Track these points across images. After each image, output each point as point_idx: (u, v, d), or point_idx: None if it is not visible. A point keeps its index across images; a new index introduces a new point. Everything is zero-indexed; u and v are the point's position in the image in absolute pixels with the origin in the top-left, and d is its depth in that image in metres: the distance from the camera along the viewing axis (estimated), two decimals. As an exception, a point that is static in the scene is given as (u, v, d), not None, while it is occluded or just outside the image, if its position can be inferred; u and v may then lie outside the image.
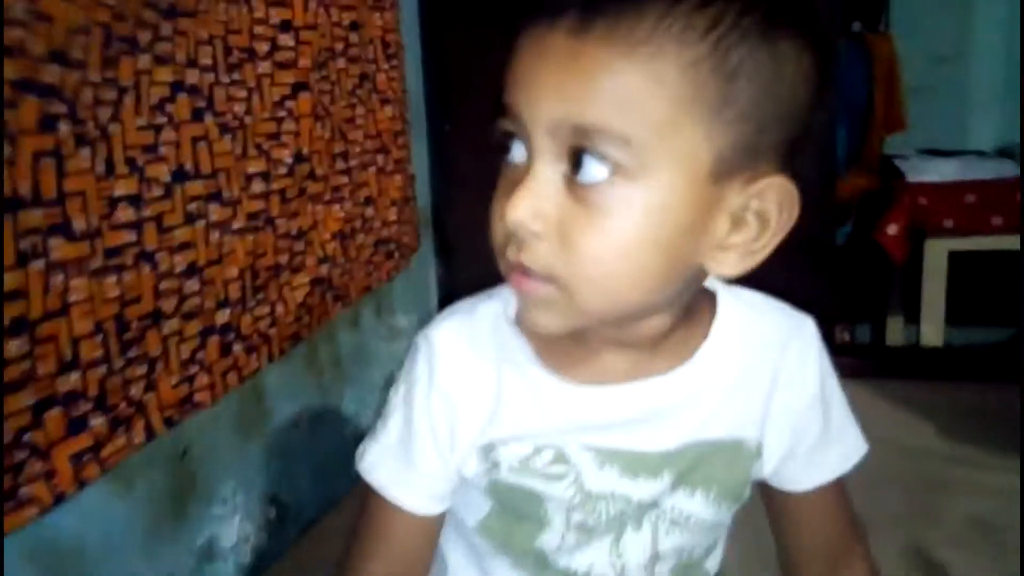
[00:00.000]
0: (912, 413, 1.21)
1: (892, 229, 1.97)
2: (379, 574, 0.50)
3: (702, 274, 0.44)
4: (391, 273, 1.32)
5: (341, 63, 1.17)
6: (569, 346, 0.47)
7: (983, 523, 0.93)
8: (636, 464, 0.48)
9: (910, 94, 2.17)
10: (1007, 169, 2.00)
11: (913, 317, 2.02)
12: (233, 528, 0.91)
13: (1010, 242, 1.91)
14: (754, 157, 0.41)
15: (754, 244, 0.42)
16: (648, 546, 0.50)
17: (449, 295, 1.56)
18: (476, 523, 0.51)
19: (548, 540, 0.49)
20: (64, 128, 0.66)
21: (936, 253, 1.97)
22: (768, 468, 0.51)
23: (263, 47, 0.95)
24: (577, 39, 0.38)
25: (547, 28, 0.39)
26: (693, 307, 0.48)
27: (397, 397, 0.50)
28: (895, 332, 2.18)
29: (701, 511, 0.50)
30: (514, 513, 0.50)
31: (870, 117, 2.16)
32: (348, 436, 1.17)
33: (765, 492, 0.54)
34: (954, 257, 1.98)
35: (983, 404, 1.25)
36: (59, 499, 0.65)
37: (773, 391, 0.50)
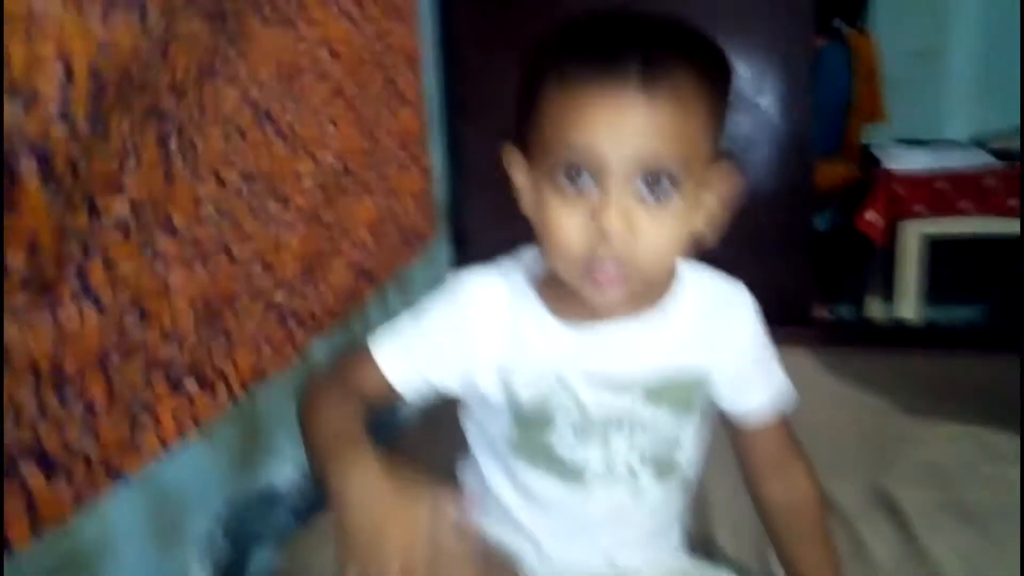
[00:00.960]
0: (881, 379, 1.36)
1: (871, 215, 2.12)
2: (334, 393, 0.64)
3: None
4: (411, 259, 1.46)
5: (368, 69, 1.30)
6: (568, 296, 0.62)
7: (934, 465, 1.08)
8: (615, 383, 0.65)
9: (889, 87, 2.30)
10: (977, 158, 2.15)
11: (891, 298, 2.16)
12: (288, 478, 1.06)
13: (978, 225, 2.07)
14: (718, 146, 0.60)
15: (716, 207, 0.62)
16: (626, 442, 0.66)
17: None
18: (500, 433, 0.68)
19: (555, 438, 0.66)
20: (172, 144, 0.80)
21: (910, 236, 2.11)
22: (718, 395, 0.69)
23: (305, 62, 1.08)
24: (647, 95, 0.54)
25: (617, 86, 0.54)
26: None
27: (417, 307, 0.68)
28: (874, 311, 2.33)
29: (663, 418, 0.66)
30: (526, 421, 0.66)
31: (851, 109, 2.29)
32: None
33: (726, 424, 0.71)
34: (928, 241, 2.11)
35: (949, 372, 1.39)
36: (165, 448, 0.80)
37: (721, 334, 0.67)
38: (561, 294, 0.63)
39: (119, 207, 0.71)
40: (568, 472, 0.67)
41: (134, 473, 0.76)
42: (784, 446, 0.71)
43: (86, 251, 0.68)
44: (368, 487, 0.51)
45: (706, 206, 0.62)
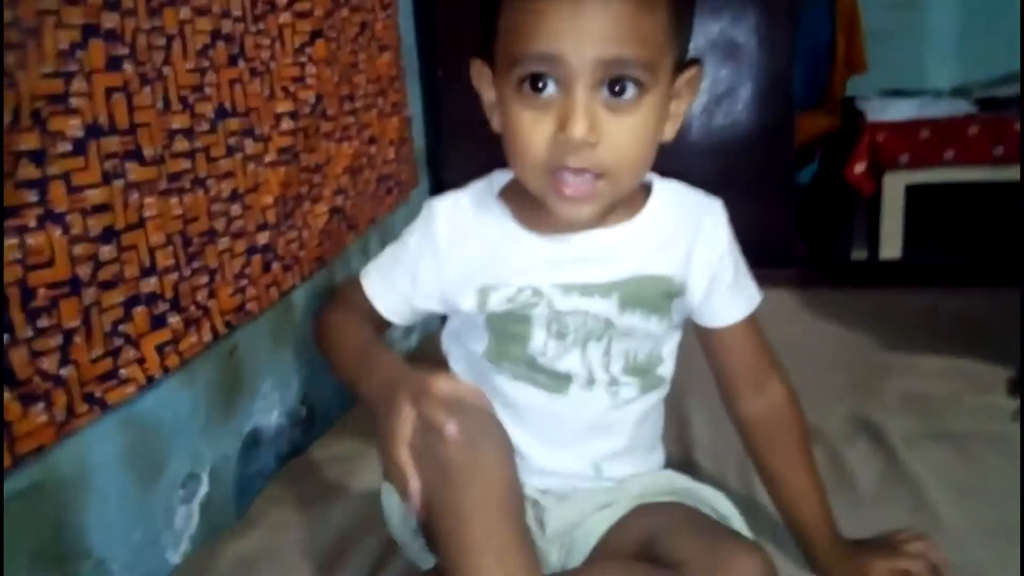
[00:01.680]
0: (865, 316, 1.37)
1: (859, 167, 2.12)
2: (345, 313, 0.71)
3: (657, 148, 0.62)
4: (392, 206, 1.45)
5: (345, 12, 1.27)
6: (538, 208, 0.62)
7: (915, 395, 1.09)
8: (591, 290, 0.65)
9: (870, 38, 2.30)
10: (960, 107, 2.15)
11: (876, 249, 2.18)
12: (272, 421, 1.05)
13: (962, 174, 2.07)
14: (685, 54, 0.61)
15: (681, 111, 0.62)
16: (605, 351, 0.67)
17: None
18: (482, 350, 0.68)
19: (535, 347, 0.66)
20: (128, 68, 0.78)
21: (894, 186, 2.12)
22: (694, 302, 0.68)
23: (283, -1, 1.06)
24: None
25: None
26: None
27: (399, 239, 0.72)
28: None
29: (639, 324, 0.66)
30: (506, 334, 0.67)
31: (832, 60, 2.28)
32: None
33: (700, 333, 0.72)
34: (911, 190, 2.12)
35: (931, 308, 1.40)
36: (150, 381, 0.79)
37: (694, 245, 0.67)
38: (532, 207, 0.64)
39: (73, 129, 0.69)
40: (549, 383, 0.67)
41: (114, 405, 0.75)
42: (759, 356, 0.72)
43: (44, 173, 0.67)
44: (394, 370, 0.59)
45: (673, 113, 0.62)
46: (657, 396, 0.71)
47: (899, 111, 2.13)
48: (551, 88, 0.56)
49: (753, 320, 0.71)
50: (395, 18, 1.44)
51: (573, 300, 0.65)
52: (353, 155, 1.27)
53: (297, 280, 1.08)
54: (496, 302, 0.66)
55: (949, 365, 1.17)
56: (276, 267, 1.03)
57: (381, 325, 0.72)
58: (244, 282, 0.95)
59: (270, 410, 1.04)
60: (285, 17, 1.06)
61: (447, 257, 0.68)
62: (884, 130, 2.09)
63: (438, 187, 1.68)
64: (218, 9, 0.92)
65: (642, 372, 0.69)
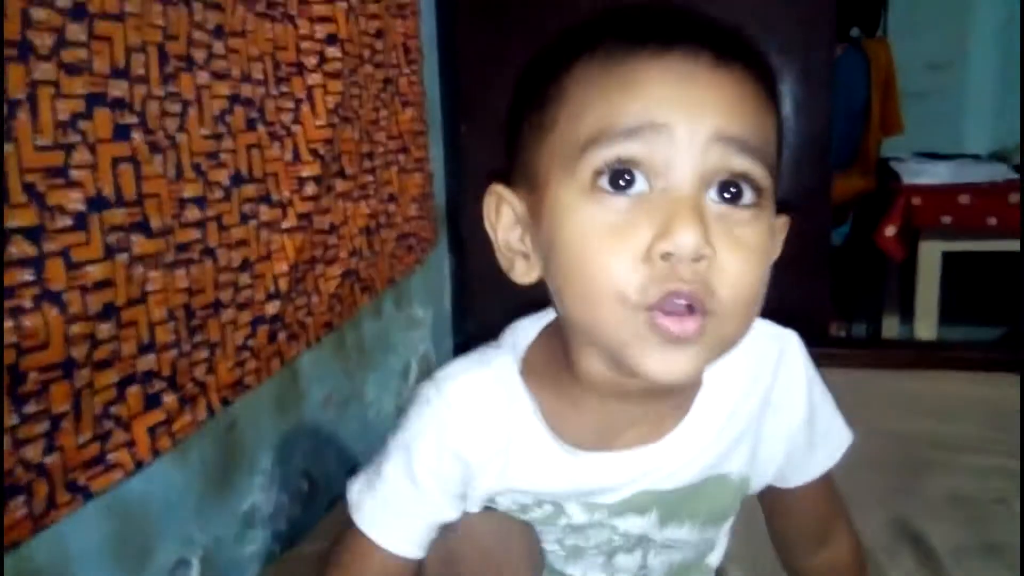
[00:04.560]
0: (901, 401, 1.29)
1: (890, 231, 2.05)
2: None
3: None
4: (412, 266, 1.41)
5: (369, 68, 1.25)
6: (571, 404, 0.48)
7: (959, 497, 1.02)
8: (623, 507, 0.50)
9: (906, 99, 2.25)
10: (1000, 172, 2.09)
11: (908, 316, 2.10)
12: (271, 498, 1.00)
13: (1002, 244, 2.00)
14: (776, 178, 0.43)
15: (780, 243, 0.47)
16: (638, 563, 0.54)
17: (461, 288, 1.65)
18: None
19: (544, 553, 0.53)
20: (137, 137, 0.75)
21: (930, 253, 2.04)
22: (759, 487, 0.54)
23: (311, 60, 1.03)
24: (725, 69, 0.40)
25: (687, 57, 0.40)
26: None
27: (397, 444, 0.50)
28: (891, 330, 2.26)
29: (688, 536, 0.53)
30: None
31: (867, 120, 2.24)
32: (370, 419, 1.26)
33: (760, 493, 0.58)
34: (948, 257, 2.05)
35: (968, 393, 1.33)
36: (139, 466, 0.74)
37: (763, 418, 0.51)
38: (564, 394, 0.48)
39: (74, 203, 0.66)
40: None
41: (98, 492, 0.70)
42: (827, 506, 0.58)
43: (40, 250, 0.63)
44: None
45: (778, 238, 0.46)
46: None
47: (936, 174, 2.07)
48: (641, 183, 0.40)
49: (828, 473, 0.56)
50: (420, 74, 1.42)
51: (599, 516, 0.51)
52: (370, 214, 1.24)
53: (302, 348, 1.04)
54: (503, 506, 0.52)
55: (982, 462, 1.10)
56: (281, 336, 0.98)
57: (404, 572, 0.53)
58: (246, 355, 0.91)
59: (269, 486, 0.99)
60: (314, 78, 1.04)
61: (469, 468, 0.50)
62: (920, 193, 2.03)
63: (456, 244, 1.64)
64: (238, 73, 0.89)
65: (686, 567, 0.57)
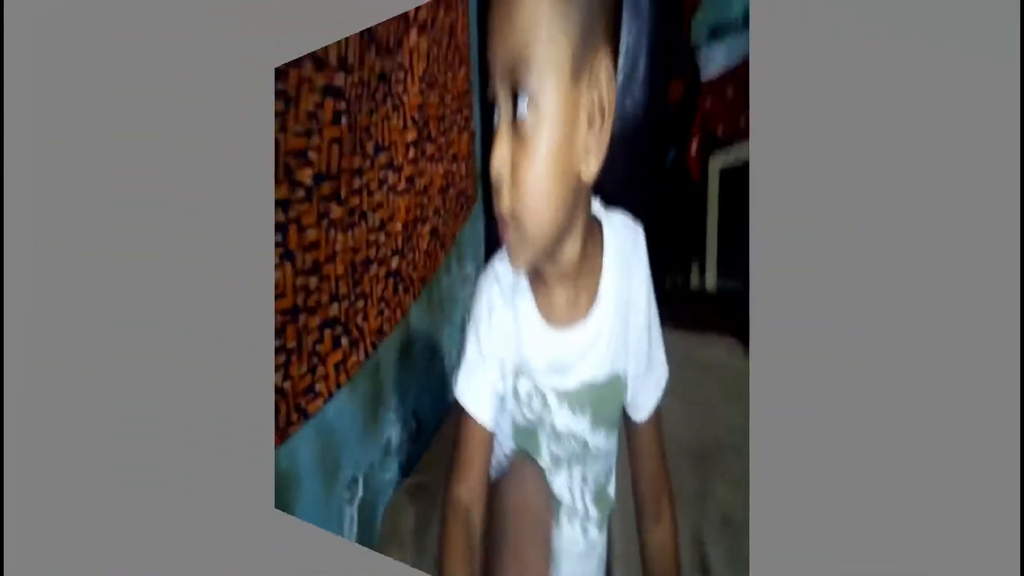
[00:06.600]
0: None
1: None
2: (463, 496, 0.56)
3: (582, 188, 0.47)
4: (465, 221, 1.53)
5: (441, 23, 1.34)
6: (544, 289, 0.52)
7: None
8: (575, 401, 0.54)
9: None
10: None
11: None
12: (398, 432, 1.14)
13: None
14: (592, 45, 0.42)
15: (601, 135, 0.44)
16: (580, 475, 0.59)
17: (492, 245, 1.76)
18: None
19: (542, 463, 0.59)
20: (344, 120, 0.87)
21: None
22: (628, 395, 0.57)
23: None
24: None
25: None
26: (589, 234, 0.51)
27: (471, 329, 0.57)
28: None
29: (603, 443, 0.58)
30: (523, 446, 0.59)
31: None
32: (448, 367, 1.40)
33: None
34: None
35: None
36: (330, 395, 0.89)
37: (628, 313, 0.53)
38: (541, 287, 0.54)
39: (307, 178, 0.80)
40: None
41: (312, 415, 0.85)
42: (664, 481, 0.61)
43: (286, 218, 0.76)
44: None
45: (583, 130, 0.44)
46: (605, 523, 0.63)
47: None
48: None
49: (658, 415, 0.58)
50: (470, 28, 1.48)
51: (566, 416, 0.56)
52: (443, 174, 1.36)
53: (412, 299, 1.18)
54: (525, 390, 0.56)
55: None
56: (400, 289, 1.13)
57: (490, 448, 0.57)
58: (382, 305, 1.05)
59: (397, 422, 1.14)
60: (412, 38, 1.11)
61: (506, 335, 0.55)
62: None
63: (488, 198, 1.73)
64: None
65: (602, 497, 0.61)
